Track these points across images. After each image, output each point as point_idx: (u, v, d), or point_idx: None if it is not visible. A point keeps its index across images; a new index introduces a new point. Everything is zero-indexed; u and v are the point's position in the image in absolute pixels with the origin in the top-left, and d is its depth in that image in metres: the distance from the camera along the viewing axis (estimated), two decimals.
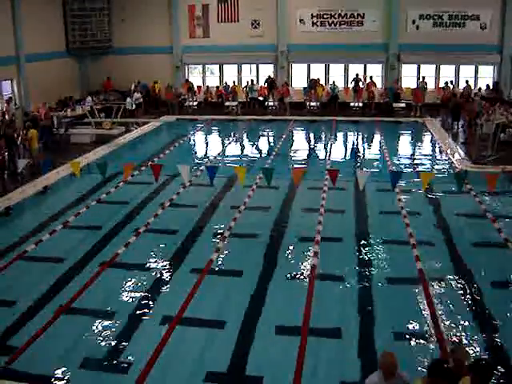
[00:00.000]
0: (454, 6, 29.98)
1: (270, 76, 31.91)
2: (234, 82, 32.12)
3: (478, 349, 8.68)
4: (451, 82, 29.95)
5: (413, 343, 8.93)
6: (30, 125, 20.49)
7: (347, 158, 22.51)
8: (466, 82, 29.76)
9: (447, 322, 9.41)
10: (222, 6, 32.30)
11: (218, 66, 33.96)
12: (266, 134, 27.71)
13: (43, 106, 24.46)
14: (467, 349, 8.17)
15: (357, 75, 31.05)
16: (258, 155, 22.67)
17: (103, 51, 33.21)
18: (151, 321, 9.71)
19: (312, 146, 25.27)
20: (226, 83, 32.38)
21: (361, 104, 30.58)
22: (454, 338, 8.92)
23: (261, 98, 31.15)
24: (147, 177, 16.62)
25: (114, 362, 8.51)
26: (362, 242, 13.01)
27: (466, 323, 9.46)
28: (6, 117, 22.81)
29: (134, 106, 29.32)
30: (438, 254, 12.33)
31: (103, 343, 8.98)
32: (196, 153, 24.16)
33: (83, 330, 9.40)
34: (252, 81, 31.49)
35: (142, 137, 25.58)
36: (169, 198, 16.01)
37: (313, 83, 31.10)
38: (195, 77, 34.40)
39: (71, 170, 15.86)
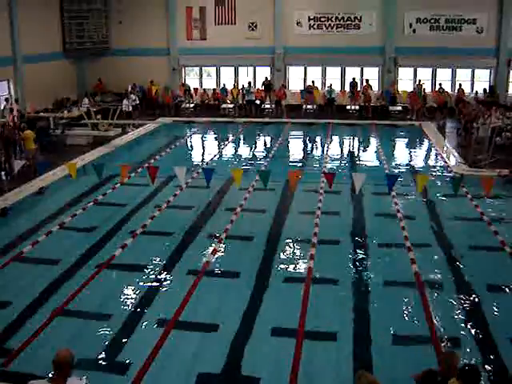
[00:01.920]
0: (450, 9, 30.05)
1: (266, 78, 31.93)
2: (234, 85, 32.16)
3: (472, 352, 8.69)
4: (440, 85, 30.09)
5: (408, 346, 8.95)
6: (24, 126, 20.45)
7: (343, 160, 22.53)
8: (460, 85, 29.94)
9: (443, 326, 9.42)
10: (219, 8, 32.33)
11: (214, 68, 33.98)
12: (262, 136, 27.76)
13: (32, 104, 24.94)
14: (461, 353, 8.23)
15: (353, 79, 31.14)
16: (255, 157, 22.68)
17: (100, 53, 33.20)
18: (147, 322, 9.69)
19: (308, 149, 25.32)
20: (224, 85, 32.41)
21: (357, 107, 30.65)
22: (449, 342, 8.94)
23: (258, 102, 31.15)
24: (144, 179, 16.60)
25: (110, 363, 8.50)
26: (358, 244, 13.04)
27: (462, 327, 9.49)
28: (15, 117, 22.88)
29: (130, 107, 29.31)
30: (434, 257, 12.36)
31: (99, 345, 8.97)
32: (192, 155, 24.15)
33: (79, 332, 9.41)
34: (249, 83, 31.52)
35: (139, 138, 25.56)
36: (165, 199, 16.01)
37: (309, 88, 31.14)
38: (192, 79, 34.42)
39: (68, 172, 15.83)
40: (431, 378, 5.93)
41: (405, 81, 31.83)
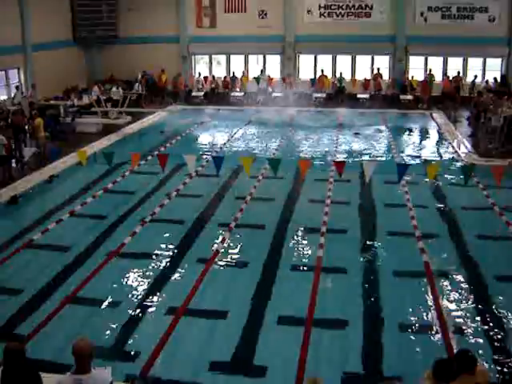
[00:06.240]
0: None
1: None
2: (243, 73, 32.15)
3: (482, 342, 8.66)
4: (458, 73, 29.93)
5: (417, 336, 8.94)
6: (36, 113, 20.50)
7: (354, 149, 22.40)
8: (458, 72, 29.84)
9: (452, 315, 9.41)
10: None
11: (224, 56, 33.90)
12: (272, 124, 27.64)
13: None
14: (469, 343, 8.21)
15: (365, 78, 31.07)
16: (265, 146, 22.62)
17: (110, 40, 33.15)
18: (157, 310, 9.74)
19: (318, 138, 25.20)
20: (233, 73, 32.39)
21: (368, 96, 30.51)
22: (458, 332, 8.93)
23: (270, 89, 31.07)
24: (154, 166, 16.61)
25: (120, 350, 8.54)
26: (368, 233, 13.01)
27: (471, 316, 9.46)
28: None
29: (134, 96, 29.27)
30: (444, 246, 12.31)
31: (109, 332, 9.01)
32: (202, 143, 24.14)
33: (89, 319, 9.46)
34: (261, 71, 31.43)
35: (149, 127, 25.57)
36: (175, 187, 16.03)
37: (319, 77, 31.12)
38: (202, 66, 34.35)
39: (78, 159, 15.88)
40: (445, 367, 5.85)
41: (416, 69, 31.58)
